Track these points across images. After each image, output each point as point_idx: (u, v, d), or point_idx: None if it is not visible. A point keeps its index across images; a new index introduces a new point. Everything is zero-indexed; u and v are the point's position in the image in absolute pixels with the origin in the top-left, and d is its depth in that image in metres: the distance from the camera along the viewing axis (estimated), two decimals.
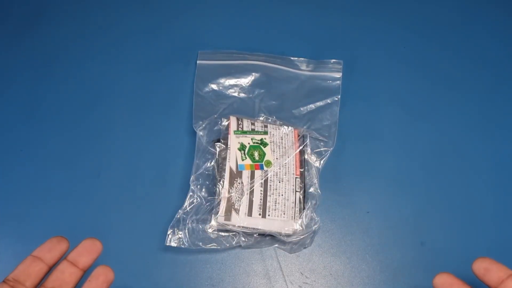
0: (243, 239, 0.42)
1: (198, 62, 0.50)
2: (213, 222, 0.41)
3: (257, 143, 0.45)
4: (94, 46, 0.52)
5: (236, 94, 0.49)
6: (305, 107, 0.48)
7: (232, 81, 0.49)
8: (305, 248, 0.43)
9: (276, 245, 0.43)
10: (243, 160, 0.44)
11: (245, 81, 0.49)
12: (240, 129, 0.45)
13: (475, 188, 0.46)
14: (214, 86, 0.49)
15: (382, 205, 0.45)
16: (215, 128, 0.46)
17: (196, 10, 0.54)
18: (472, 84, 0.51)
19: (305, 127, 0.47)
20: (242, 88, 0.49)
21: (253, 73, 0.50)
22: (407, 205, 0.45)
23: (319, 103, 0.48)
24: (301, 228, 0.42)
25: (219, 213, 0.41)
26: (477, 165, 0.47)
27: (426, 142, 0.48)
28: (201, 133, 0.45)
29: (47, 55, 0.52)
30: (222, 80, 0.49)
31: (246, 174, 0.43)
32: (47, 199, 0.45)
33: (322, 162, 0.46)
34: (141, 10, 0.54)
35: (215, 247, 0.41)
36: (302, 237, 0.42)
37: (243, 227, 0.41)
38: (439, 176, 0.46)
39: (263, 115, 0.47)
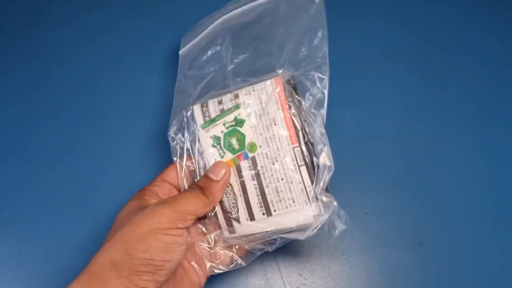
0: (262, 246, 0.36)
1: (180, 51, 0.41)
2: (225, 237, 0.35)
3: (231, 126, 0.35)
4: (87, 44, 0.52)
5: (212, 69, 0.38)
6: (284, 36, 0.36)
7: (205, 56, 0.39)
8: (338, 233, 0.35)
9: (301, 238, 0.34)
10: (222, 157, 0.35)
11: (217, 47, 0.38)
12: (207, 118, 0.35)
13: (473, 188, 0.46)
14: (191, 73, 0.39)
15: (380, 206, 0.45)
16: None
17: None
18: (471, 84, 0.51)
19: (285, 62, 0.35)
20: (216, 58, 0.38)
21: (222, 32, 0.38)
22: (405, 206, 0.45)
23: (299, 21, 0.36)
24: (321, 211, 0.33)
25: (222, 228, 0.35)
26: (475, 166, 0.47)
27: (425, 143, 0.48)
28: (172, 143, 0.37)
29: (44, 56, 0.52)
30: (197, 62, 0.39)
31: (231, 172, 0.35)
32: (47, 199, 0.45)
33: (325, 95, 0.34)
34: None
35: (241, 265, 0.36)
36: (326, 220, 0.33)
37: (250, 235, 0.35)
38: (437, 176, 0.46)
39: (234, 78, 0.37)
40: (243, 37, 0.38)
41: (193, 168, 0.36)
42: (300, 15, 0.36)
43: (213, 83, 0.38)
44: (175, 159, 0.37)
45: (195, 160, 0.36)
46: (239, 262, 0.36)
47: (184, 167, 0.36)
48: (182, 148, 0.37)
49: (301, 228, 0.34)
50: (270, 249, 0.36)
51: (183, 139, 0.37)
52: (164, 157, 0.47)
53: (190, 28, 0.42)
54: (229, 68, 0.37)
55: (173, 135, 0.37)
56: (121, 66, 0.51)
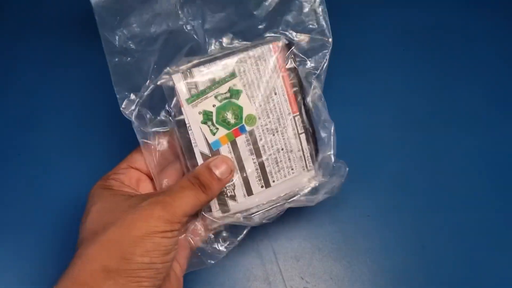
0: (258, 220, 0.33)
1: (93, 1, 0.29)
2: (211, 223, 0.32)
3: (225, 98, 0.31)
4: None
5: (164, 28, 0.30)
6: None
7: (150, 11, 0.30)
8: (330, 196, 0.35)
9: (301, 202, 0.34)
10: (214, 134, 0.31)
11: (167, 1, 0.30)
12: (194, 92, 0.30)
13: (475, 191, 0.46)
14: (124, 34, 0.30)
15: (382, 209, 0.45)
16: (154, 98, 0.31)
17: None
18: (474, 85, 0.51)
19: (280, 27, 0.31)
20: (167, 14, 0.30)
21: None
22: (408, 209, 0.45)
23: None
24: (319, 174, 0.33)
25: (212, 209, 0.32)
26: (477, 168, 0.47)
27: (427, 145, 0.48)
28: (135, 120, 0.31)
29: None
30: (135, 17, 0.30)
31: (225, 149, 0.32)
32: (46, 200, 0.45)
33: (323, 67, 0.33)
34: None
35: (233, 244, 0.34)
36: (326, 187, 0.33)
37: (247, 211, 0.33)
38: (439, 179, 0.46)
39: (214, 41, 0.31)
40: None
41: (167, 152, 0.32)
42: None
43: (171, 47, 0.31)
44: (142, 141, 0.32)
45: (177, 141, 0.31)
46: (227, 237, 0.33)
47: (157, 149, 0.32)
48: (149, 127, 0.31)
49: (299, 195, 0.33)
50: (266, 221, 0.34)
51: (150, 116, 0.31)
52: None
53: None
54: (205, 27, 0.31)
55: (132, 112, 0.31)
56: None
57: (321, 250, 0.43)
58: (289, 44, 0.32)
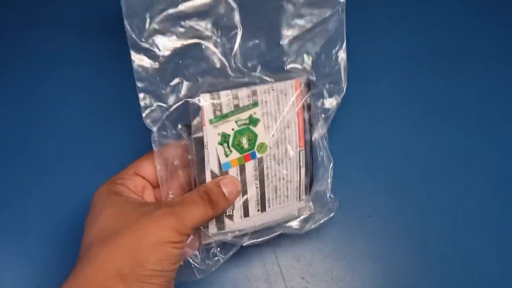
0: (247, 240, 0.35)
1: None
2: (205, 238, 0.33)
3: (244, 124, 0.32)
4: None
5: (192, 34, 0.30)
6: (298, 30, 0.32)
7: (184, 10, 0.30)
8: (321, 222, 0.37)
9: (284, 230, 0.36)
10: (227, 156, 0.32)
11: (200, 19, 0.30)
12: (218, 114, 0.31)
13: (477, 191, 0.46)
14: (154, 26, 0.29)
15: (383, 209, 0.45)
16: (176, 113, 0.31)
17: None
18: (474, 87, 0.50)
19: (306, 64, 0.32)
20: (200, 30, 0.30)
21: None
22: (408, 209, 0.45)
23: (315, 17, 0.31)
24: (310, 206, 0.35)
25: (209, 225, 0.33)
26: (479, 168, 0.47)
27: (428, 145, 0.47)
28: (154, 127, 0.31)
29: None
30: (167, 14, 0.30)
31: (234, 171, 0.33)
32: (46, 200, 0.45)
33: (334, 110, 0.34)
34: None
35: (221, 261, 0.35)
36: (318, 218, 0.35)
37: (240, 231, 0.34)
38: (441, 179, 0.46)
39: (241, 74, 0.32)
40: (254, 18, 0.31)
41: (178, 164, 0.33)
42: (323, 15, 0.32)
43: (198, 59, 0.31)
44: (157, 151, 0.32)
45: (191, 156, 0.32)
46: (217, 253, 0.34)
47: (168, 159, 0.32)
48: (164, 138, 0.32)
49: (286, 224, 0.35)
50: (249, 243, 0.35)
51: (171, 132, 0.32)
52: None
53: None
54: (235, 50, 0.31)
55: (155, 122, 0.31)
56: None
57: (321, 250, 0.43)
58: (309, 84, 0.34)
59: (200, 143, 0.31)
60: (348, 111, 0.48)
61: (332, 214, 0.36)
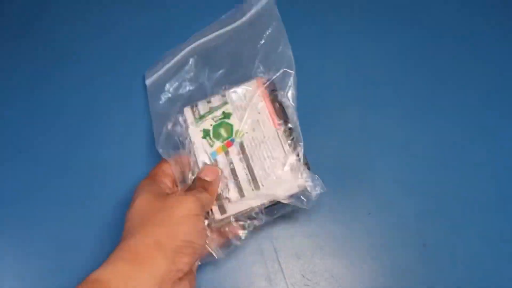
0: (253, 222, 0.39)
1: (146, 81, 0.48)
2: (210, 222, 0.38)
3: (219, 119, 0.41)
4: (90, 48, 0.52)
5: (188, 89, 0.45)
6: (253, 52, 0.43)
7: (179, 81, 0.45)
8: (319, 194, 0.39)
9: (291, 209, 0.40)
10: (211, 146, 0.40)
11: (189, 71, 0.45)
12: (196, 116, 0.41)
13: (477, 189, 0.46)
14: (167, 96, 0.45)
15: (383, 207, 0.45)
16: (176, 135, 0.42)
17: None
18: (473, 84, 0.50)
19: (259, 69, 0.42)
20: (190, 80, 0.45)
21: (191, 58, 0.46)
22: (409, 206, 0.45)
23: (262, 40, 0.44)
24: (305, 181, 0.38)
25: (214, 212, 0.38)
26: (479, 166, 0.47)
27: (428, 143, 0.47)
28: (162, 150, 0.41)
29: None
30: (170, 86, 0.45)
31: (221, 158, 0.40)
32: (47, 200, 0.45)
33: (292, 92, 0.41)
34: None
35: (237, 244, 0.39)
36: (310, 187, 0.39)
37: (242, 211, 0.39)
38: (441, 176, 0.46)
39: (218, 89, 0.43)
40: (216, 57, 0.45)
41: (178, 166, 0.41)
42: (263, 31, 0.44)
43: (192, 99, 0.43)
44: (170, 160, 0.41)
45: (191, 154, 0.41)
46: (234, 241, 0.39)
47: (176, 164, 0.41)
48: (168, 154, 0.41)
49: (298, 197, 0.39)
50: (258, 224, 0.39)
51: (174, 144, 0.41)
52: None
53: (153, 63, 0.48)
54: (208, 83, 0.44)
55: (161, 149, 0.41)
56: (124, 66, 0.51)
57: (322, 248, 0.43)
58: (272, 82, 0.42)
59: (188, 145, 0.41)
60: (348, 108, 0.49)
61: (319, 190, 0.39)
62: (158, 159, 0.41)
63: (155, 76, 0.47)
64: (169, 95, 0.45)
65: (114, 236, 0.43)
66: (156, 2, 0.53)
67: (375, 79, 0.50)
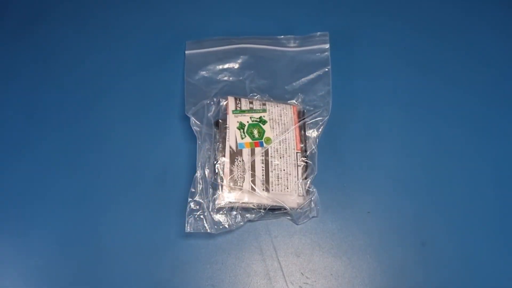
0: (250, 214, 0.43)
1: (186, 52, 0.51)
2: (220, 201, 0.42)
3: (256, 121, 0.46)
4: (90, 45, 0.52)
5: (226, 78, 0.49)
6: (297, 82, 0.49)
7: (221, 66, 0.50)
8: (310, 218, 0.44)
9: (283, 216, 0.44)
10: (242, 138, 0.45)
11: (234, 64, 0.50)
12: (238, 108, 0.46)
13: (476, 188, 0.46)
14: (204, 73, 0.49)
15: (383, 205, 0.45)
16: (209, 113, 0.46)
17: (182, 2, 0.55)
18: (473, 82, 0.51)
19: (299, 100, 0.48)
20: (231, 72, 0.50)
21: (241, 56, 0.50)
22: (408, 205, 0.45)
23: (311, 76, 0.49)
24: (304, 202, 0.44)
25: (224, 192, 0.43)
26: (478, 165, 0.47)
27: (428, 142, 0.48)
28: (193, 117, 0.46)
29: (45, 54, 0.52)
30: (211, 67, 0.50)
31: (246, 152, 0.44)
32: (48, 199, 0.45)
33: (319, 130, 0.47)
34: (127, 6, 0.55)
35: (227, 229, 0.42)
36: (306, 208, 0.44)
37: (248, 203, 0.43)
38: (440, 175, 0.46)
39: (255, 94, 0.48)
40: (265, 67, 0.50)
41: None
42: (313, 70, 0.49)
43: (227, 88, 0.49)
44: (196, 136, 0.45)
45: (220, 136, 0.45)
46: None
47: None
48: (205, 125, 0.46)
49: (286, 209, 0.43)
50: (251, 218, 0.43)
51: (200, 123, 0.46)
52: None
53: (197, 37, 0.51)
54: (251, 84, 0.49)
55: (195, 119, 0.45)
56: (116, 63, 0.51)
57: (321, 246, 0.43)
58: (303, 111, 0.48)
59: (224, 127, 0.45)
60: (348, 107, 0.49)
61: (311, 216, 0.44)
62: None
63: (196, 52, 0.51)
64: (207, 74, 0.49)
65: (114, 236, 0.43)
66: None
67: (377, 76, 0.51)
